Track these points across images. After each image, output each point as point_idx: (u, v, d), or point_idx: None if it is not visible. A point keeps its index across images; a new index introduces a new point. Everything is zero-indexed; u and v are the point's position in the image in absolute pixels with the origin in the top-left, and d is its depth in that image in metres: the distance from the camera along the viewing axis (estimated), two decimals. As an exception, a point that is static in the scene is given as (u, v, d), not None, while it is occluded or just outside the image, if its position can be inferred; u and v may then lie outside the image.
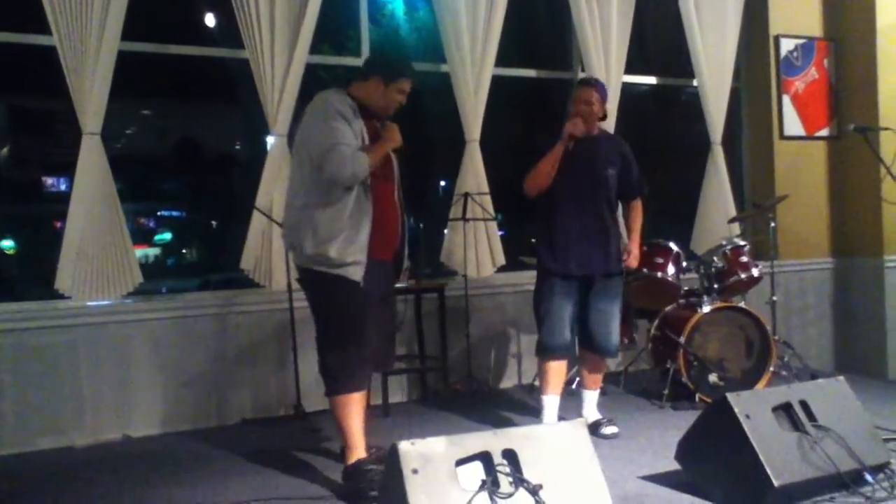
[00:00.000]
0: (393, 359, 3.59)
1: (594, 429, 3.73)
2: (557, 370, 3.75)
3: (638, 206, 3.95)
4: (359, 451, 3.07)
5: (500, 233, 5.21)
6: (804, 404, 2.89)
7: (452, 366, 4.79)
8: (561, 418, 3.74)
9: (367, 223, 3.07)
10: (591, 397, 3.93)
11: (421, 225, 5.80)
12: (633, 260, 3.86)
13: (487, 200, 4.91)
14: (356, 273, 3.04)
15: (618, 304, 3.80)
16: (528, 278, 5.16)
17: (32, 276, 4.64)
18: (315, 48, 4.61)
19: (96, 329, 4.11)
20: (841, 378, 3.13)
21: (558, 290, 3.68)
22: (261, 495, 3.09)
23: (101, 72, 4.02)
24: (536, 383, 4.80)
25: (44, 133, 5.14)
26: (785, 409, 2.88)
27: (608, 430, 3.79)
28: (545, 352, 3.74)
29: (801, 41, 5.85)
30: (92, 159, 4.04)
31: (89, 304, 4.09)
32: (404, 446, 2.29)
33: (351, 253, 3.02)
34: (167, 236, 6.71)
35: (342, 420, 3.08)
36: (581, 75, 5.39)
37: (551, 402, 3.77)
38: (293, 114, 4.45)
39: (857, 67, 5.75)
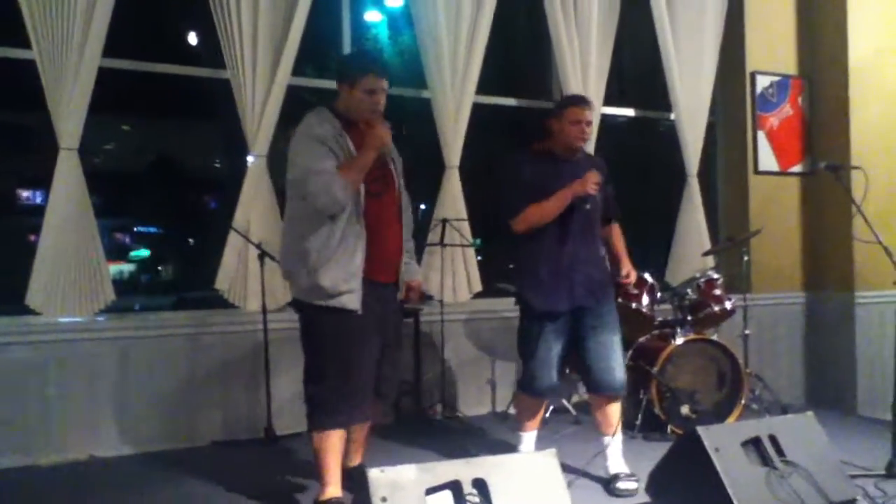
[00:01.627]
0: (396, 380, 3.42)
1: (611, 482, 3.41)
2: (536, 409, 3.63)
3: (618, 230, 3.77)
4: (331, 488, 2.99)
5: (477, 257, 5.22)
6: (773, 439, 2.91)
7: (426, 391, 4.77)
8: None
9: (361, 247, 2.95)
10: (614, 445, 3.50)
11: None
12: (632, 276, 3.69)
13: (465, 226, 4.93)
14: (352, 302, 2.92)
15: (616, 334, 3.50)
16: (505, 305, 5.18)
17: (3, 290, 4.57)
18: (298, 70, 4.62)
19: (66, 346, 4.05)
20: (810, 413, 3.16)
21: (546, 330, 3.42)
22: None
23: (80, 87, 4.00)
24: (512, 411, 4.83)
25: (20, 146, 5.10)
26: (754, 444, 2.90)
27: (623, 484, 3.36)
28: (531, 394, 3.55)
29: (776, 78, 5.96)
30: (68, 174, 4.01)
31: (60, 320, 4.04)
32: (374, 473, 2.28)
33: (344, 280, 2.90)
34: (143, 252, 6.67)
35: (318, 454, 2.99)
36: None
37: (529, 438, 3.65)
38: (273, 134, 4.46)
39: (830, 105, 5.87)
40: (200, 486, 3.54)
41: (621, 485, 3.37)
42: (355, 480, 3.02)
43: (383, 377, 3.14)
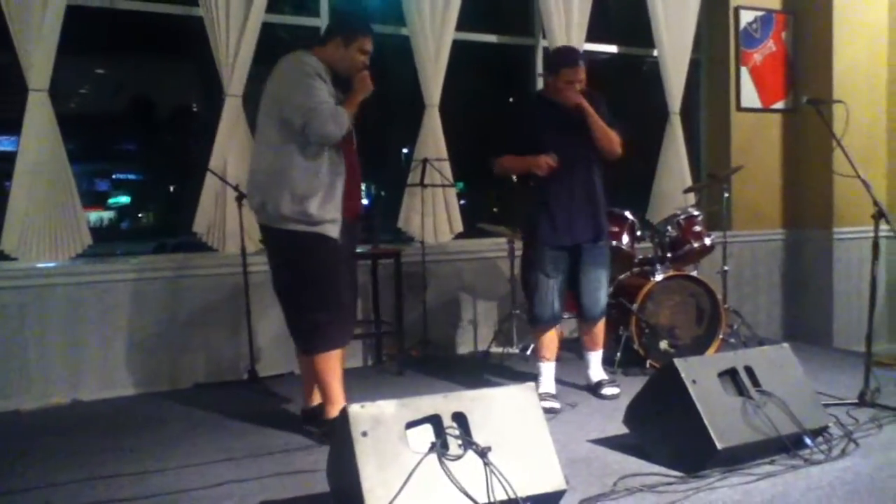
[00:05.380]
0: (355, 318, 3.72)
1: (596, 388, 3.93)
2: (550, 338, 3.84)
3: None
4: (338, 405, 3.10)
5: (462, 202, 5.20)
6: (749, 370, 2.96)
7: (408, 331, 4.79)
8: (558, 380, 3.93)
9: (342, 181, 3.15)
10: (593, 358, 4.00)
11: (382, 193, 5.77)
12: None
13: (446, 166, 4.89)
14: (333, 230, 3.11)
15: (605, 272, 3.85)
16: (486, 245, 5.20)
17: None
18: (275, 7, 4.51)
19: (45, 291, 4.02)
20: (785, 345, 3.22)
21: (549, 262, 3.72)
22: (214, 458, 3.07)
23: (48, 26, 3.88)
24: (494, 349, 4.90)
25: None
26: (730, 375, 2.95)
27: (609, 390, 3.87)
28: (537, 323, 3.81)
29: (760, 13, 5.89)
30: (39, 117, 3.92)
31: (38, 265, 4.00)
32: (354, 409, 2.30)
33: (329, 210, 3.09)
34: (121, 199, 6.58)
35: (325, 375, 3.18)
36: (543, 43, 5.38)
37: (547, 368, 3.85)
38: (248, 74, 4.37)
39: (814, 41, 5.83)
40: (186, 426, 3.56)
41: (605, 391, 3.88)
42: (315, 418, 3.31)
43: None
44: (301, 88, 3.01)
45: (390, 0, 4.90)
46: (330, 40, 3.19)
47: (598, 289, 3.83)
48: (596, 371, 4.00)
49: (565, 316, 4.18)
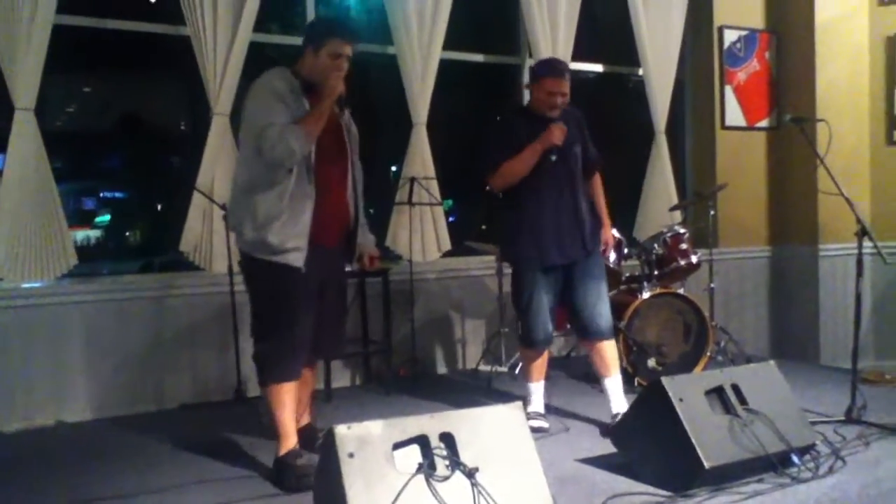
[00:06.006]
0: (340, 345, 3.55)
1: (613, 421, 3.55)
2: (541, 360, 3.74)
3: (598, 182, 3.82)
4: (289, 441, 3.03)
5: (450, 219, 5.21)
6: (736, 388, 2.97)
7: (396, 350, 4.78)
8: (547, 405, 3.81)
9: (309, 207, 2.97)
10: (609, 386, 3.66)
11: (370, 210, 5.76)
12: (608, 249, 3.71)
13: (434, 185, 4.90)
14: (297, 259, 2.95)
15: (602, 283, 3.65)
16: (474, 264, 5.20)
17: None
18: (263, 27, 4.52)
19: (30, 311, 3.99)
20: (771, 362, 3.22)
21: (539, 282, 3.57)
22: (199, 479, 3.03)
23: (35, 44, 3.87)
24: (482, 368, 4.88)
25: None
26: (717, 393, 2.95)
27: None
28: (530, 346, 3.69)
29: (744, 33, 5.96)
30: (24, 135, 3.91)
31: (23, 285, 3.97)
32: (340, 430, 2.28)
33: (291, 238, 2.93)
34: (107, 218, 6.54)
35: (273, 410, 3.03)
36: (530, 62, 5.42)
37: (536, 387, 3.77)
38: (236, 93, 4.37)
39: (797, 60, 5.90)
40: (171, 448, 3.53)
41: None
42: (305, 438, 3.15)
43: (320, 341, 3.18)
44: (258, 110, 2.90)
45: (381, 19, 4.93)
46: (305, 50, 3.07)
47: (598, 301, 3.60)
48: (617, 401, 3.62)
49: (554, 334, 4.13)
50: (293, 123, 2.87)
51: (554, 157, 3.53)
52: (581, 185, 3.68)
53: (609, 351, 3.65)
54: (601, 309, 3.60)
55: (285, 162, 2.87)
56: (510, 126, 3.67)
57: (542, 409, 3.79)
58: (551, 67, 3.62)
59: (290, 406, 3.04)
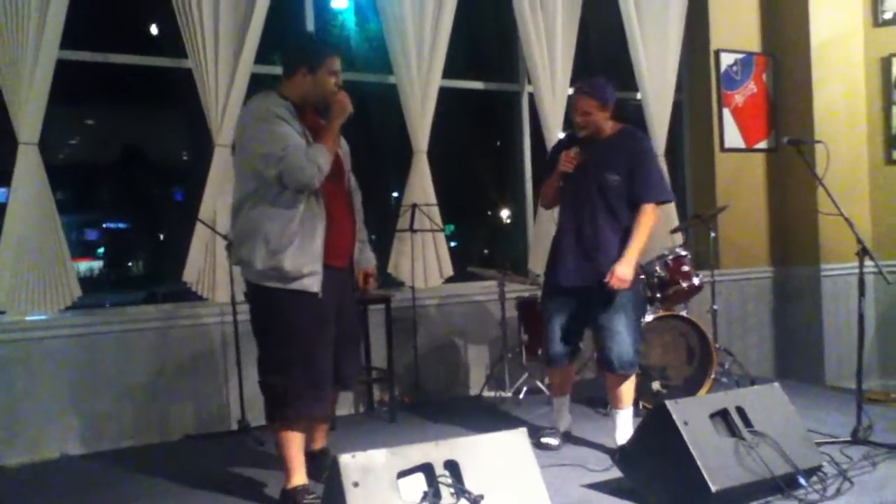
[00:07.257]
0: (358, 370, 3.45)
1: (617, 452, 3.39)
2: (561, 375, 3.78)
3: (644, 215, 3.52)
4: (297, 476, 2.97)
5: (452, 244, 5.22)
6: (740, 410, 2.96)
7: (400, 377, 4.77)
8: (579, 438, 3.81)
9: (321, 228, 2.90)
10: (616, 417, 3.65)
11: (372, 237, 5.78)
12: (614, 280, 3.41)
13: (435, 211, 4.93)
14: (313, 284, 2.87)
15: (621, 316, 3.49)
16: (477, 289, 5.21)
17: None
18: (265, 58, 4.57)
19: (33, 344, 3.99)
20: (776, 384, 3.21)
21: (552, 301, 3.66)
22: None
23: (38, 80, 3.92)
24: (486, 394, 4.87)
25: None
26: (722, 416, 2.95)
27: None
28: (546, 363, 3.79)
29: (740, 56, 6.02)
30: (28, 170, 3.93)
31: (27, 318, 3.98)
32: (344, 459, 2.28)
33: (307, 263, 2.85)
34: (111, 249, 6.57)
35: (282, 446, 2.95)
36: (529, 88, 5.47)
37: (559, 403, 3.83)
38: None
39: (793, 82, 5.95)
40: (174, 480, 3.50)
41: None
42: (318, 462, 3.11)
43: (342, 367, 3.10)
44: (263, 136, 2.80)
45: (380, 48, 4.99)
46: (294, 73, 2.98)
47: (613, 337, 3.49)
48: (621, 433, 3.59)
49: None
50: (313, 145, 2.85)
51: (561, 183, 3.63)
52: (611, 212, 3.53)
53: (617, 384, 3.59)
54: (610, 343, 3.51)
55: (313, 183, 2.81)
56: (555, 148, 3.81)
57: (560, 426, 3.81)
58: (575, 86, 3.66)
59: (299, 442, 2.97)
